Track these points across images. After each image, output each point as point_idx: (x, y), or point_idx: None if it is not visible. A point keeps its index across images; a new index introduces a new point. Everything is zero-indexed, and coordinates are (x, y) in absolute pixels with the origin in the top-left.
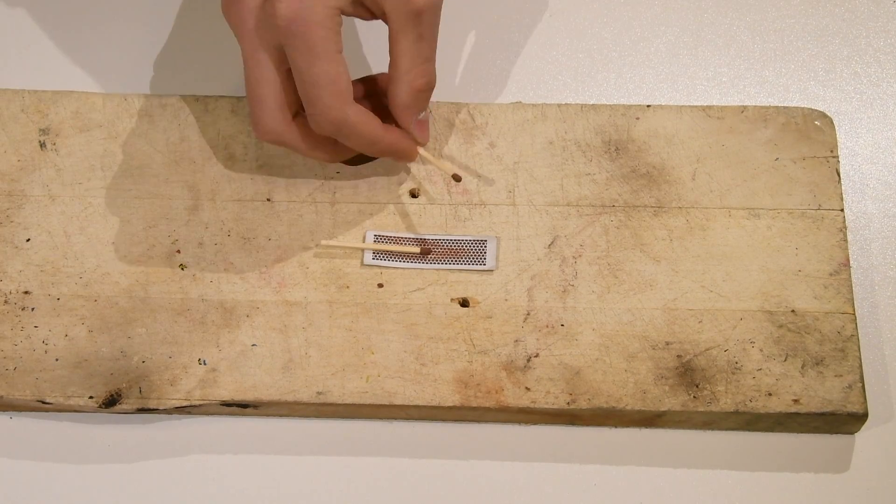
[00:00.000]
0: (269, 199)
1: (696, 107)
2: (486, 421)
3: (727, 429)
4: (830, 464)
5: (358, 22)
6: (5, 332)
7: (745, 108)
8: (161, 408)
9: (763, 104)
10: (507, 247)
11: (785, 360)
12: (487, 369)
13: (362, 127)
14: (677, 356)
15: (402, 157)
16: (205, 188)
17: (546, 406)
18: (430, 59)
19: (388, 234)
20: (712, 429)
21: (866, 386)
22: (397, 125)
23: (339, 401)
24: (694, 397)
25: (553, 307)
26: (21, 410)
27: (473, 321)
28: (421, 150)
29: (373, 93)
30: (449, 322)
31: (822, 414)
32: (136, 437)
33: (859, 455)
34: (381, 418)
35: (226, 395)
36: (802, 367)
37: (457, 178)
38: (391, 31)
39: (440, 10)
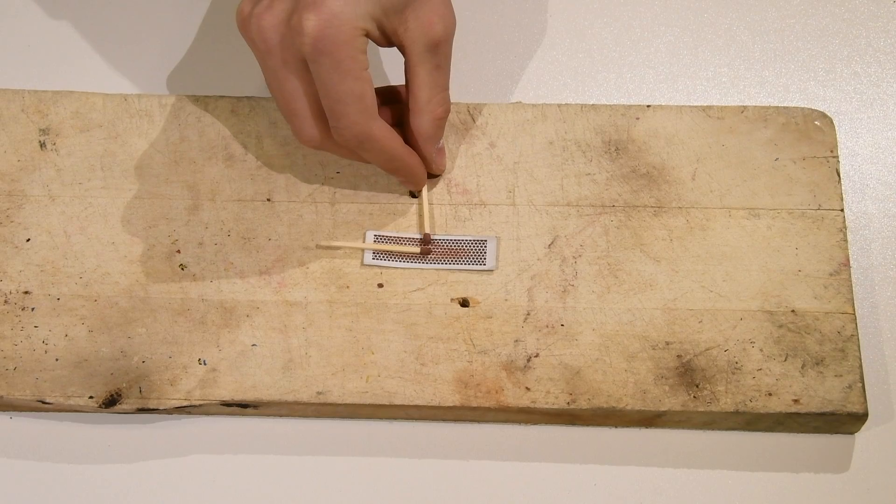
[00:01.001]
0: (269, 199)
1: (696, 107)
2: (486, 421)
3: (727, 429)
4: (830, 464)
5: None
6: (5, 332)
7: (745, 108)
8: (161, 408)
9: (763, 104)
10: (507, 247)
11: (785, 360)
12: (487, 369)
13: (385, 143)
14: (677, 356)
15: (411, 181)
16: (205, 188)
17: (546, 406)
18: (446, 87)
19: (388, 234)
20: (712, 429)
21: (866, 386)
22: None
23: (339, 401)
24: (694, 397)
25: (553, 307)
26: (21, 410)
27: (473, 321)
28: (424, 189)
29: (392, 102)
30: (449, 322)
31: (822, 414)
32: (136, 437)
33: (859, 455)
34: (381, 418)
35: (226, 395)
36: (802, 367)
37: (426, 241)
38: (409, 63)
39: (453, 38)
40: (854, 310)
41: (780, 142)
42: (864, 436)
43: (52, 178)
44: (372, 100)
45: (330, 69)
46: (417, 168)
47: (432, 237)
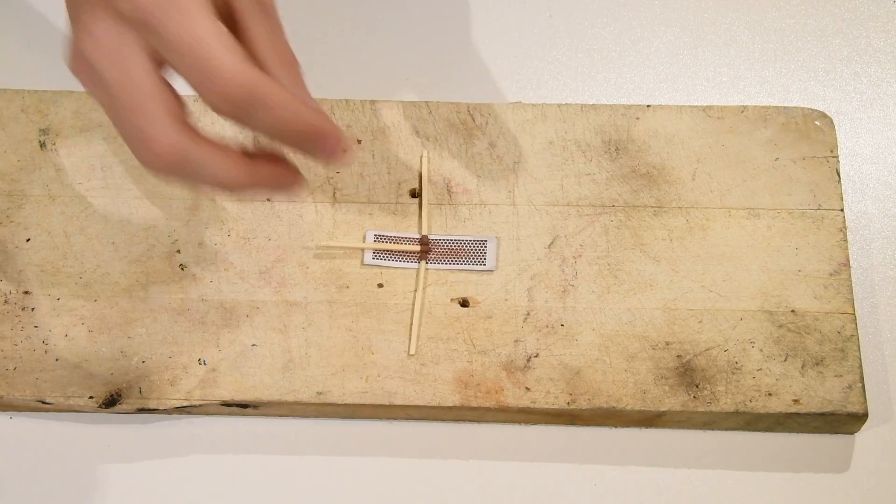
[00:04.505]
0: (269, 199)
1: (696, 107)
2: (486, 421)
3: (727, 429)
4: (830, 464)
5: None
6: (5, 332)
7: (745, 108)
8: (161, 408)
9: (763, 104)
10: (507, 247)
11: (785, 360)
12: (487, 369)
13: (276, 93)
14: (677, 356)
15: (327, 146)
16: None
17: (546, 406)
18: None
19: (388, 234)
20: (712, 429)
21: (866, 386)
22: None
23: (339, 401)
24: (694, 397)
25: (553, 307)
26: (21, 410)
27: (473, 321)
28: (424, 189)
29: None
30: (449, 322)
31: (822, 414)
32: (136, 437)
33: (859, 455)
34: (381, 418)
35: (226, 395)
36: (802, 367)
37: (424, 243)
38: (240, 18)
39: None
40: (854, 310)
41: (780, 142)
42: (864, 436)
43: (52, 178)
44: (237, 43)
45: (176, 16)
46: (327, 123)
47: (431, 238)
